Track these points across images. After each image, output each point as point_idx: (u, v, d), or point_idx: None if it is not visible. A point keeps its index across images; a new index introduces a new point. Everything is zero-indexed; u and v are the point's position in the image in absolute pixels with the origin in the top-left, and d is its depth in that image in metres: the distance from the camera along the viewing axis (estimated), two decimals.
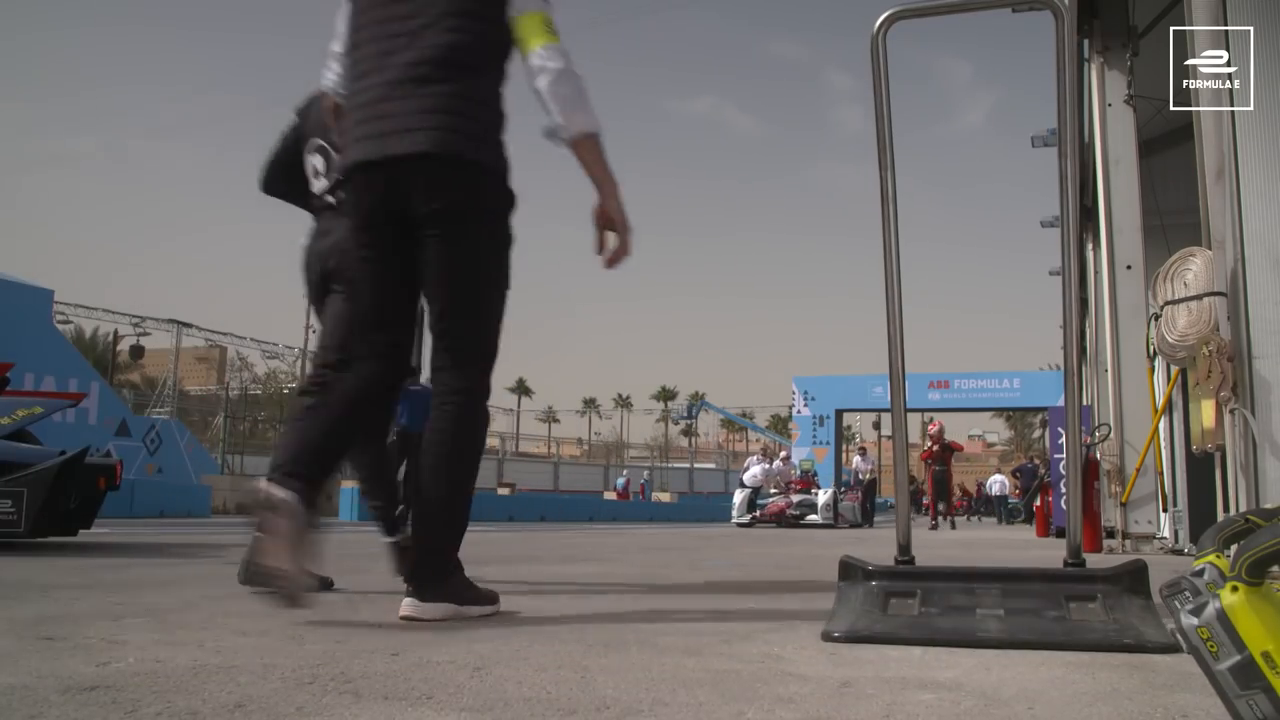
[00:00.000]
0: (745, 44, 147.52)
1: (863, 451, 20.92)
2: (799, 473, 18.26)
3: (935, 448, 15.25)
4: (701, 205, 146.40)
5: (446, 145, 2.08)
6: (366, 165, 2.13)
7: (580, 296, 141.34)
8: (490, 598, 2.24)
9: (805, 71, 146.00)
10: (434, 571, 2.12)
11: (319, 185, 3.00)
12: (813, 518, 15.23)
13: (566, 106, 2.12)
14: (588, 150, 2.16)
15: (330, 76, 2.40)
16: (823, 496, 15.69)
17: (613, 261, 2.20)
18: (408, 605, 2.08)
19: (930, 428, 15.87)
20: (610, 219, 2.18)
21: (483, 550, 5.86)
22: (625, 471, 39.88)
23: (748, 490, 16.66)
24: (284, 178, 3.14)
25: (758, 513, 15.85)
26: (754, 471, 17.49)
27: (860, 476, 19.01)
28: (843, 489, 18.37)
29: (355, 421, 2.21)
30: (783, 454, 20.99)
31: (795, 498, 15.82)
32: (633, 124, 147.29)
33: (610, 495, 32.22)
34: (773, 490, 16.95)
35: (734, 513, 16.38)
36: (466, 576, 2.20)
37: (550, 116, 2.13)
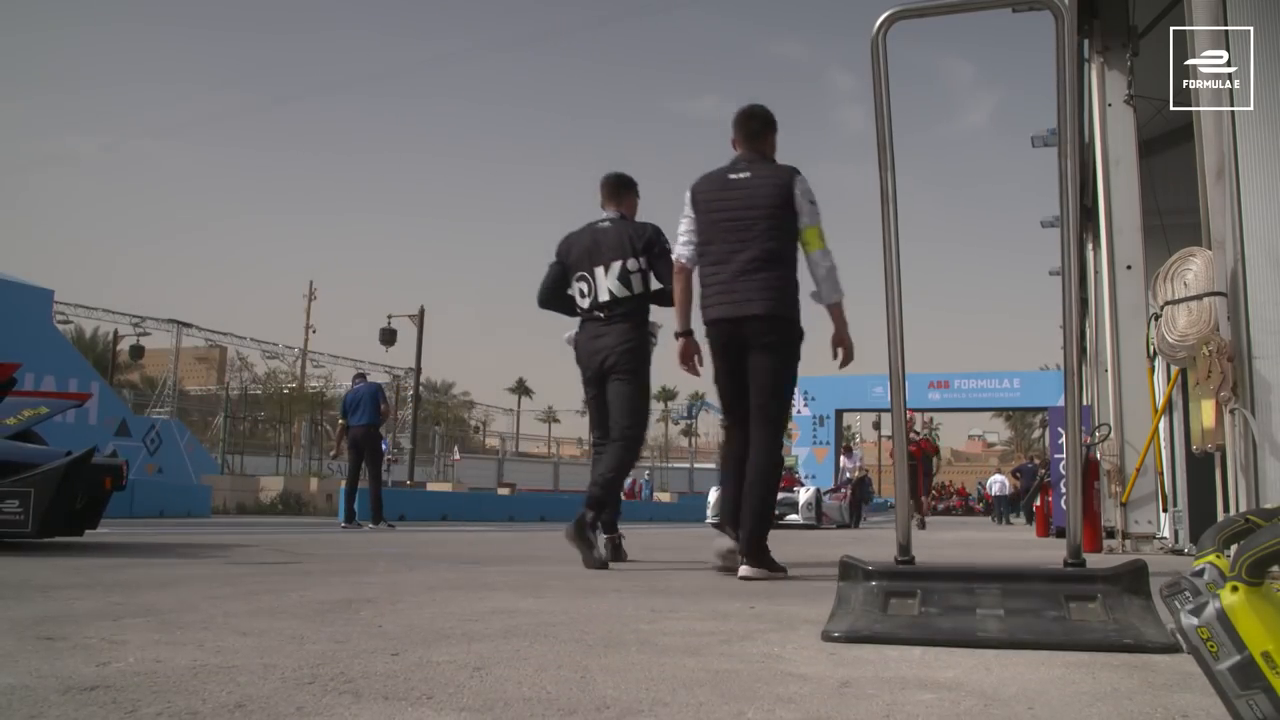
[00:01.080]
0: (748, 44, 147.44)
1: (848, 450, 19.81)
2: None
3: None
4: None
5: (769, 309, 3.58)
6: (724, 320, 3.66)
7: None
8: (782, 568, 3.61)
9: (808, 72, 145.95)
10: (757, 548, 3.54)
11: (584, 303, 4.39)
12: (793, 518, 14.01)
13: (829, 287, 3.61)
14: (836, 310, 3.66)
15: (685, 252, 3.82)
16: (804, 495, 14.49)
17: (842, 365, 3.75)
18: (743, 569, 3.50)
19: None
20: (844, 344, 3.69)
21: (483, 550, 5.86)
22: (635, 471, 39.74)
23: None
24: (554, 299, 4.54)
25: None
26: None
27: (848, 475, 17.89)
28: (839, 488, 17.66)
29: (740, 466, 3.70)
30: None
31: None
32: (635, 124, 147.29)
33: None
34: None
35: (708, 511, 14.65)
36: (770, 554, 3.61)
37: (819, 288, 3.61)
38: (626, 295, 4.25)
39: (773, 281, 3.59)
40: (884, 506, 30.09)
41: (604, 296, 4.27)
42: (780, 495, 14.87)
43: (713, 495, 15.22)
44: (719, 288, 3.66)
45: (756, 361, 3.63)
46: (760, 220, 3.60)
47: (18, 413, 5.06)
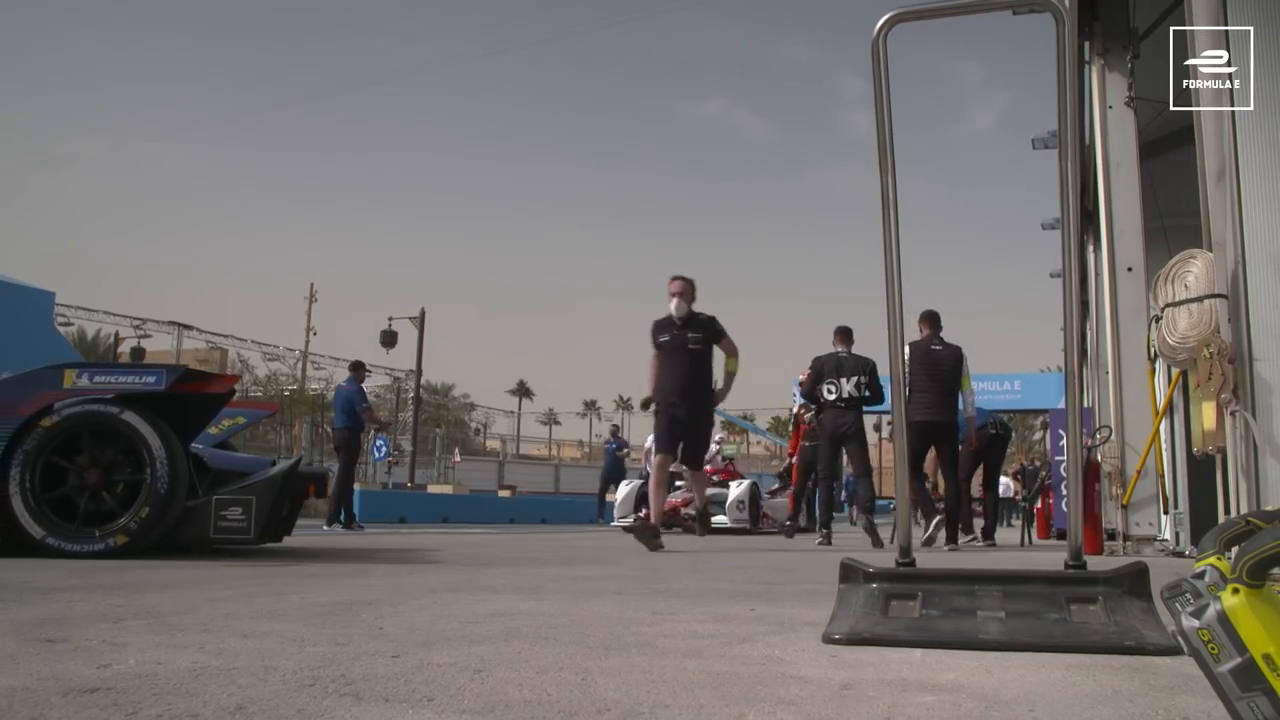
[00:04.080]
0: (755, 46, 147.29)
1: None
2: (721, 460, 14.17)
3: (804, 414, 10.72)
4: (707, 207, 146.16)
5: (946, 418, 7.48)
6: (924, 421, 7.32)
7: (580, 297, 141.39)
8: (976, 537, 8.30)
9: (816, 74, 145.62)
10: (953, 531, 7.53)
11: (830, 397, 7.68)
12: (720, 519, 11.66)
13: (971, 407, 7.76)
14: (972, 418, 7.83)
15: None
16: (735, 490, 12.02)
17: (971, 443, 8.10)
18: (947, 546, 7.23)
19: (802, 375, 8.92)
20: (972, 436, 8.05)
21: (484, 552, 5.86)
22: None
23: (638, 483, 12.64)
24: (812, 395, 7.89)
25: (644, 512, 11.27)
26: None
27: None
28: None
29: (924, 488, 8.49)
30: (715, 437, 17.41)
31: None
32: (640, 126, 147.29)
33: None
34: (678, 483, 12.98)
35: (616, 511, 12.65)
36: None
37: (966, 408, 7.69)
38: (855, 396, 7.63)
39: (950, 403, 7.39)
40: (885, 509, 30.02)
41: (844, 395, 7.63)
42: (710, 491, 12.44)
43: (623, 490, 13.35)
44: (922, 405, 7.25)
45: (943, 445, 7.49)
46: (945, 374, 7.37)
47: (218, 422, 5.16)
